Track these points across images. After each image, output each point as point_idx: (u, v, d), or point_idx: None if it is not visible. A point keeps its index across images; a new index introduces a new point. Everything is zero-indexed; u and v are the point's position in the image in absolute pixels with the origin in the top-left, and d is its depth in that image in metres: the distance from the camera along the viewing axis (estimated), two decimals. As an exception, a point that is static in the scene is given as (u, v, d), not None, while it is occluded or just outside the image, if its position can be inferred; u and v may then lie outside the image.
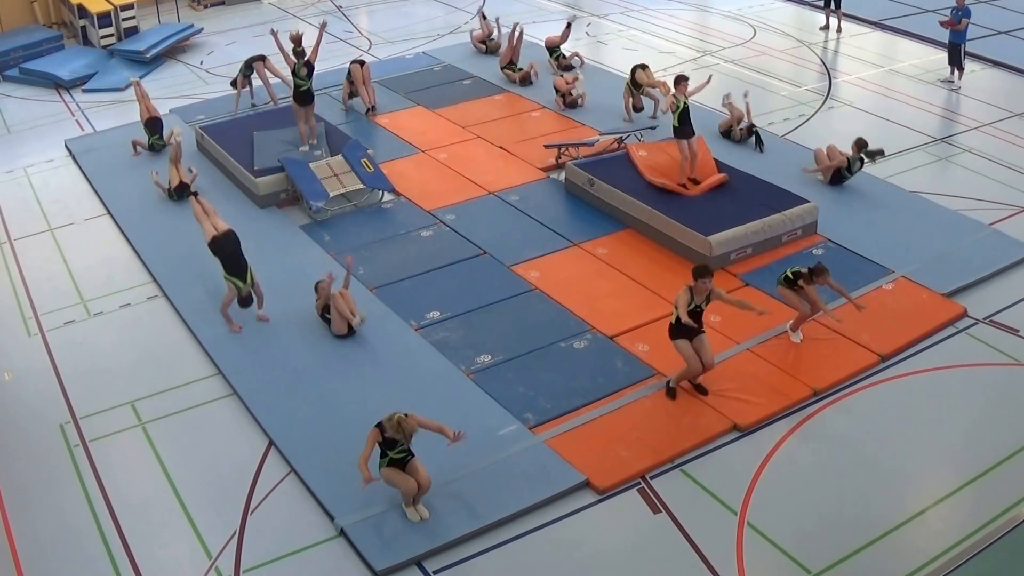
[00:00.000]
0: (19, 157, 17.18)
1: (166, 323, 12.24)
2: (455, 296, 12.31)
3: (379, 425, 8.80)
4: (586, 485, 9.41)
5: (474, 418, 10.15)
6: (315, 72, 15.56)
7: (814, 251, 13.00)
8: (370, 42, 22.21)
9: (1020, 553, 8.63)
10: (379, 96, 18.69)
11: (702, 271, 10.09)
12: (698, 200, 13.55)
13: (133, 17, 22.47)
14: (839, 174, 14.56)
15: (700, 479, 9.46)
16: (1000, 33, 21.29)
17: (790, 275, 11.10)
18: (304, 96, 15.30)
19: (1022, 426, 9.99)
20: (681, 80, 13.66)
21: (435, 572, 8.59)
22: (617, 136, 15.97)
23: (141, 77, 20.57)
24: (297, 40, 15.34)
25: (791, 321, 11.29)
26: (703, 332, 10.28)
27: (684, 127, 13.69)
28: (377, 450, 8.84)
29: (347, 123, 17.36)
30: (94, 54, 21.80)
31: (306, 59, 15.18)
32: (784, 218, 13.09)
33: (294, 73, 15.20)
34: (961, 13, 18.07)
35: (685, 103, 13.62)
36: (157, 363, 11.45)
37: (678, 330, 10.17)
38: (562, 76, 18.35)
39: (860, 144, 14.53)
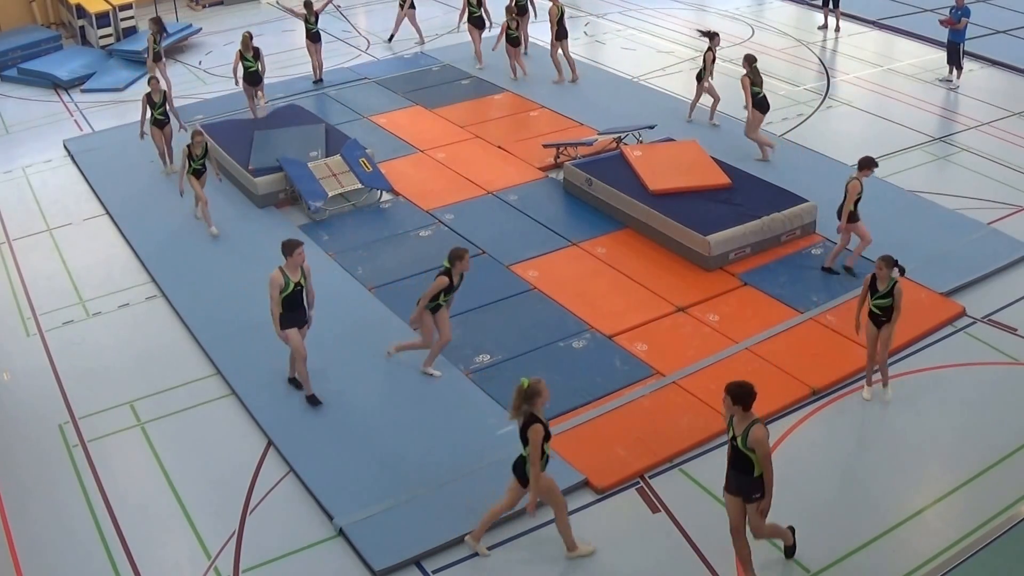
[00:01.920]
0: (18, 157, 17.18)
1: (165, 323, 12.23)
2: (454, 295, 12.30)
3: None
4: (585, 485, 9.40)
5: (473, 418, 10.15)
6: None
7: (813, 251, 13.01)
8: (368, 42, 22.20)
9: (1019, 552, 8.63)
10: (377, 96, 18.75)
11: None
12: (697, 200, 13.54)
13: (132, 17, 22.47)
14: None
15: (699, 478, 9.46)
16: (999, 32, 21.30)
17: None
18: (252, 76, 17.32)
19: (1020, 425, 9.99)
20: (868, 164, 11.91)
21: (434, 572, 8.59)
22: (615, 136, 15.97)
23: (140, 77, 20.59)
24: (248, 38, 17.36)
25: (866, 374, 10.41)
26: None
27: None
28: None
29: (346, 123, 17.36)
30: (92, 54, 21.80)
31: (254, 46, 17.25)
32: (783, 218, 13.10)
33: (242, 58, 17.19)
34: (960, 12, 18.07)
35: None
36: (156, 363, 11.44)
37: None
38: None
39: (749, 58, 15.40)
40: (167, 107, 15.82)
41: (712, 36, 16.64)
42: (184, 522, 9.19)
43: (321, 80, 19.37)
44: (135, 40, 21.89)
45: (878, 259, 9.90)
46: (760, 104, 15.25)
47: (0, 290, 13.17)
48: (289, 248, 10.03)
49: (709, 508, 9.12)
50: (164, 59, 18.65)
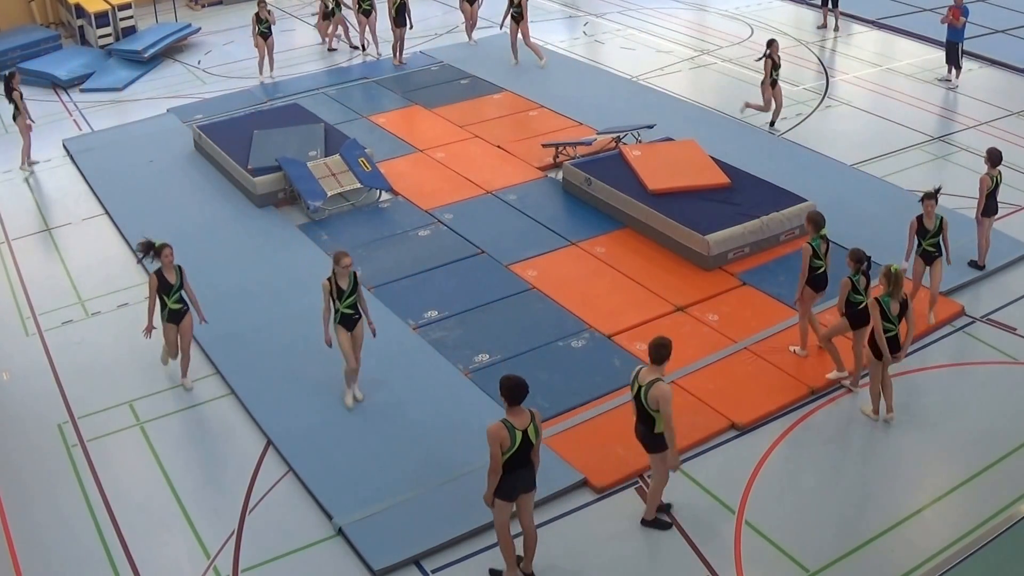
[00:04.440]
0: (17, 157, 17.14)
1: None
2: (453, 295, 12.31)
3: None
4: (584, 484, 9.41)
5: (472, 417, 10.15)
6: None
7: (812, 250, 13.01)
8: (367, 41, 22.17)
9: (1018, 551, 8.64)
10: (377, 95, 18.76)
11: None
12: (696, 199, 13.54)
13: (131, 17, 22.46)
14: None
15: (698, 478, 9.46)
16: (997, 32, 21.31)
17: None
18: (265, 34, 19.56)
19: (1019, 424, 10.00)
20: (994, 159, 12.27)
21: (433, 571, 8.59)
22: (614, 135, 15.97)
23: (139, 77, 20.57)
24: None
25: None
26: None
27: (990, 203, 12.40)
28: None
29: (345, 123, 17.36)
30: (92, 54, 21.79)
31: (268, 11, 19.75)
32: (782, 217, 13.10)
33: (259, 20, 19.54)
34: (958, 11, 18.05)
35: (998, 181, 12.34)
36: (155, 363, 11.43)
37: None
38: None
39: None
40: (184, 291, 10.64)
41: (770, 43, 16.39)
42: (183, 521, 9.19)
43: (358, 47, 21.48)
44: (134, 40, 21.89)
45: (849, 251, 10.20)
46: (515, 16, 19.19)
47: (-1, 290, 13.20)
48: (518, 395, 7.88)
49: (708, 507, 9.13)
50: (27, 114, 16.56)
